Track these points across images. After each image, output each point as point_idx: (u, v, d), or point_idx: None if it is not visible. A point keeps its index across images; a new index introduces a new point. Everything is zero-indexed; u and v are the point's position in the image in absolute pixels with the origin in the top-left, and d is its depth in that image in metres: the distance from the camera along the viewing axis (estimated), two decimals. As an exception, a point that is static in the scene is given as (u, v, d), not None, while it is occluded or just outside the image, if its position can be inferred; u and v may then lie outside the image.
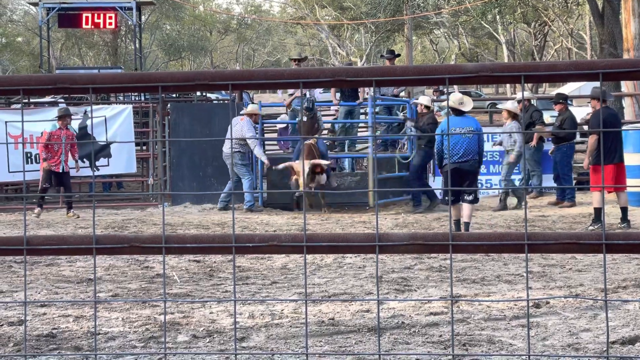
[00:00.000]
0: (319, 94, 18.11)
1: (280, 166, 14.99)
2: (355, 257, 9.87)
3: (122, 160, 16.95)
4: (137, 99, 24.22)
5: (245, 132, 14.94)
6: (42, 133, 15.65)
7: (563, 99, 15.28)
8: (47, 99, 21.49)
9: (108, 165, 17.07)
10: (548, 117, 21.71)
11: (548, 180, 15.92)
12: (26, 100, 22.09)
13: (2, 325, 6.72)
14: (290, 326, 6.53)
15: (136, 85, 3.12)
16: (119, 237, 3.12)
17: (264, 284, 8.38)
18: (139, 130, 18.52)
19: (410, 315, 6.71)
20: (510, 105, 14.87)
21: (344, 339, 6.05)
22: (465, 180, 11.54)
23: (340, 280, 8.49)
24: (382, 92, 17.10)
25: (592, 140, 12.23)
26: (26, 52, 58.05)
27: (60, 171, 14.92)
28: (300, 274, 9.00)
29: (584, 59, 3.97)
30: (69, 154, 15.11)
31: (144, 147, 19.04)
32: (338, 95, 17.63)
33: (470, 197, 11.57)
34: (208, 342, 6.13)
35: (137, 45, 28.23)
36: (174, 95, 24.87)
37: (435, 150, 12.08)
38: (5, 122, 16.21)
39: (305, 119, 14.90)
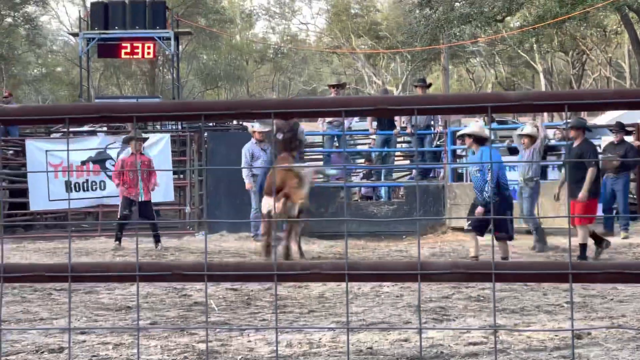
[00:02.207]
0: (355, 121, 18.15)
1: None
2: (393, 285, 9.83)
3: (160, 189, 17.03)
4: (174, 127, 24.39)
5: (244, 154, 15.07)
6: (116, 161, 15.20)
7: (621, 128, 14.91)
8: (86, 127, 21.72)
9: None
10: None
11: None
12: (64, 129, 22.33)
13: (43, 352, 6.76)
14: (329, 355, 6.51)
15: (179, 114, 3.15)
16: (162, 265, 3.14)
17: (302, 313, 8.37)
18: (176, 158, 18.63)
19: (449, 345, 6.66)
20: (530, 129, 13.28)
21: (383, 369, 6.02)
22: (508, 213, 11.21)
23: (378, 309, 8.45)
24: (413, 123, 17.06)
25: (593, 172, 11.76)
26: (65, 81, 58.76)
27: (140, 200, 14.07)
28: (338, 302, 8.98)
29: (630, 88, 3.95)
30: (147, 182, 14.27)
31: (182, 176, 19.14)
32: (375, 124, 17.64)
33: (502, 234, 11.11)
34: (246, 370, 6.12)
35: (175, 75, 28.47)
36: (211, 124, 25.02)
37: (493, 183, 10.81)
38: (46, 151, 16.38)
39: (280, 136, 12.97)
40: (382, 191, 17.94)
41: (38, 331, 7.61)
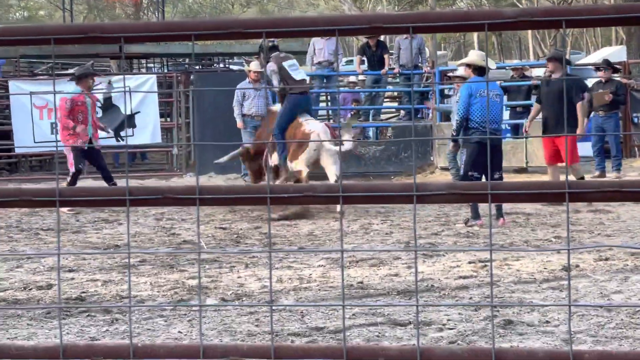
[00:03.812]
0: (342, 64, 17.96)
1: (226, 158, 12.84)
2: (382, 223, 9.84)
3: (147, 131, 16.91)
4: (160, 70, 24.20)
5: (236, 93, 14.70)
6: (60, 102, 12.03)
7: (609, 65, 14.45)
8: (71, 70, 21.48)
9: (133, 135, 17.04)
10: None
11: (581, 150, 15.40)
12: (48, 72, 22.13)
13: (31, 289, 6.73)
14: (319, 289, 6.51)
15: (168, 34, 3.06)
16: (153, 189, 3.08)
17: (291, 249, 8.36)
18: (163, 100, 18.48)
19: (439, 279, 6.66)
20: (462, 70, 11.08)
21: (374, 302, 6.02)
22: (495, 155, 9.80)
23: (368, 246, 8.45)
24: (402, 63, 16.89)
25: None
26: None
27: (93, 144, 12.04)
28: (327, 239, 8.97)
29: (627, 2, 3.87)
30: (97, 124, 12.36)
31: (168, 118, 19.01)
32: (363, 66, 17.49)
33: (498, 175, 9.77)
34: (237, 305, 6.11)
35: (160, 18, 28.17)
36: (197, 67, 24.82)
37: (459, 117, 9.74)
38: (30, 92, 16.21)
39: (275, 80, 11.81)
40: (370, 132, 17.87)
41: (26, 269, 7.59)
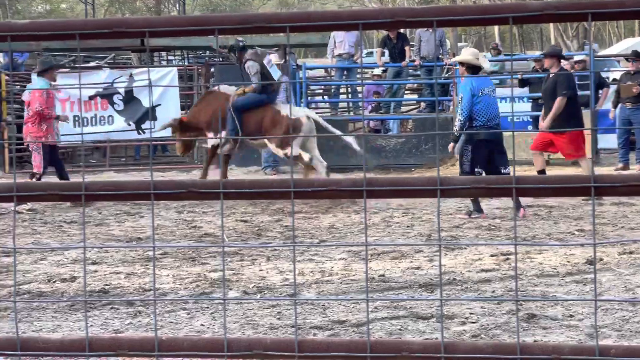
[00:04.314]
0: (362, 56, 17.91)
1: (159, 127, 13.31)
2: (404, 215, 9.82)
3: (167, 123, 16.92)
4: (181, 62, 24.26)
5: None
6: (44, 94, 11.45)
7: (637, 56, 14.14)
8: (92, 64, 21.57)
9: (154, 128, 17.07)
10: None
11: (605, 142, 15.28)
12: (70, 66, 22.22)
13: (55, 281, 6.78)
14: (341, 282, 6.51)
15: (192, 28, 3.06)
16: (177, 183, 3.09)
17: (312, 243, 8.36)
18: (183, 92, 18.52)
19: (461, 272, 6.65)
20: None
21: (396, 295, 6.02)
22: (499, 150, 9.84)
23: (389, 240, 8.44)
24: (423, 55, 16.82)
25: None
26: (70, 18, 58.19)
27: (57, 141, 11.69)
28: (348, 232, 8.97)
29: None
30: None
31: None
32: (384, 58, 17.44)
33: (508, 170, 9.75)
34: (261, 298, 6.13)
35: (181, 10, 28.23)
36: (217, 59, 24.84)
37: (462, 118, 9.63)
38: (52, 85, 16.25)
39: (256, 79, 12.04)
40: (391, 124, 17.82)
41: (50, 262, 7.64)
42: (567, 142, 10.70)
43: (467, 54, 10.25)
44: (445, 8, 2.89)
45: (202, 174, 12.36)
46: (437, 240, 7.69)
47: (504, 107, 15.00)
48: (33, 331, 5.22)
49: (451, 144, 10.27)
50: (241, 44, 12.28)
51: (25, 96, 11.77)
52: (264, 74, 12.05)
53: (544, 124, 10.73)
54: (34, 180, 10.67)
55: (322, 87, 20.97)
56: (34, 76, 17.15)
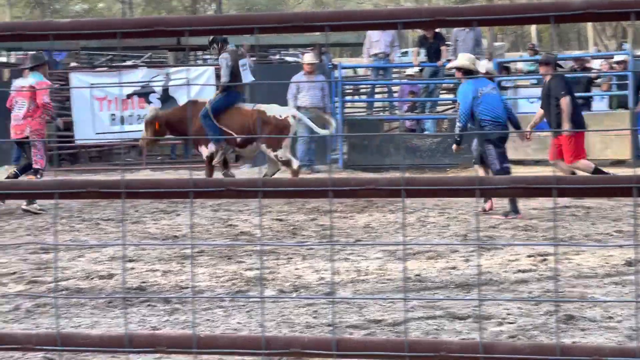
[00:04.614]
0: (397, 55, 17.87)
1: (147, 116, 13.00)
2: (439, 216, 9.79)
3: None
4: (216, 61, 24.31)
5: (291, 85, 14.98)
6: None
7: None
8: (129, 62, 21.71)
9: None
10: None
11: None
12: (108, 64, 22.41)
13: (93, 278, 6.84)
14: (377, 282, 6.51)
15: (232, 27, 3.08)
16: (216, 181, 3.11)
17: (348, 242, 8.37)
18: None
19: (498, 272, 6.62)
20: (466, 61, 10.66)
21: (432, 295, 6.00)
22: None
23: (425, 239, 8.42)
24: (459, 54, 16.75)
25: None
26: (108, 17, 58.57)
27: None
28: (384, 232, 8.96)
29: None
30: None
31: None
32: (420, 57, 17.39)
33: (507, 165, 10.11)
34: (295, 296, 6.14)
35: (217, 9, 28.32)
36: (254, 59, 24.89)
37: (461, 124, 9.99)
38: (91, 84, 16.41)
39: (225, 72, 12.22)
40: (427, 124, 17.76)
41: (87, 259, 7.70)
42: (569, 144, 10.59)
43: (464, 59, 10.40)
44: (486, 7, 2.87)
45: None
46: (475, 240, 7.68)
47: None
48: (72, 327, 5.26)
49: (454, 145, 10.57)
50: (223, 35, 12.24)
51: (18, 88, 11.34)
52: (233, 72, 12.10)
53: (564, 127, 10.57)
54: (37, 177, 10.80)
55: (352, 87, 20.97)
56: (72, 75, 17.35)
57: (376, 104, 20.24)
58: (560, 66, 11.08)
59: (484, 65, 11.14)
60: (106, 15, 59.39)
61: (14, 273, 7.08)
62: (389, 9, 2.99)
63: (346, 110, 18.25)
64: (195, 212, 10.61)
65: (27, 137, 11.03)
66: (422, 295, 6.00)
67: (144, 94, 16.80)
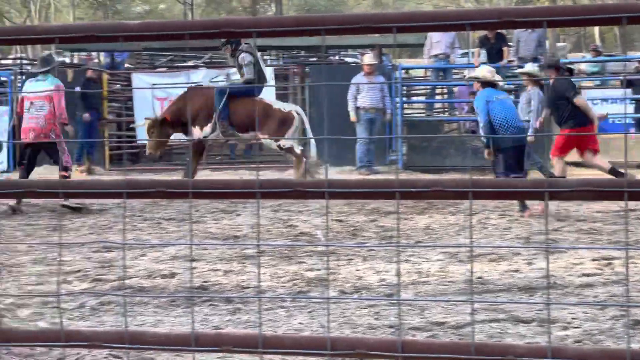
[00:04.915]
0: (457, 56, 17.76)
1: (140, 123, 13.38)
2: (500, 218, 9.71)
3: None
4: (275, 62, 24.43)
5: (351, 86, 15.05)
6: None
7: None
8: (190, 63, 21.88)
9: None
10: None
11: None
12: (168, 65, 22.61)
13: (155, 277, 6.90)
14: (438, 284, 6.47)
15: (300, 29, 3.09)
16: (283, 182, 3.12)
17: (408, 244, 8.34)
18: (279, 92, 18.66)
19: (562, 276, 6.54)
20: (531, 67, 12.12)
21: (494, 297, 5.95)
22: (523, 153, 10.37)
23: (486, 242, 8.36)
24: (521, 56, 16.57)
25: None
26: (168, 18, 59.23)
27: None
28: (444, 234, 8.91)
29: None
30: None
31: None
32: (480, 58, 17.25)
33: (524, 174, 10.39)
34: (358, 297, 6.14)
35: (278, 10, 28.41)
36: (313, 59, 24.95)
37: (483, 123, 10.28)
38: (152, 84, 16.59)
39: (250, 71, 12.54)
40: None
41: (149, 258, 7.78)
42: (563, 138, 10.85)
43: (485, 71, 10.69)
44: (556, 8, 2.84)
45: (188, 174, 12.13)
46: (540, 243, 7.61)
47: (606, 109, 14.73)
48: (135, 325, 5.32)
49: (486, 151, 10.55)
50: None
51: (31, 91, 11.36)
52: (258, 69, 12.50)
53: (597, 121, 11.07)
54: (68, 174, 11.00)
55: (407, 88, 20.88)
56: (134, 75, 17.55)
57: (436, 105, 20.15)
58: (563, 68, 11.22)
59: (529, 67, 11.74)
60: (167, 16, 59.98)
61: (79, 271, 7.19)
62: (458, 10, 2.97)
63: (405, 111, 18.19)
64: (256, 212, 10.66)
65: (53, 141, 11.10)
66: (485, 298, 5.95)
67: (205, 94, 16.90)
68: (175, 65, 22.03)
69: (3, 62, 21.96)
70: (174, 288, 6.58)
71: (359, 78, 15.45)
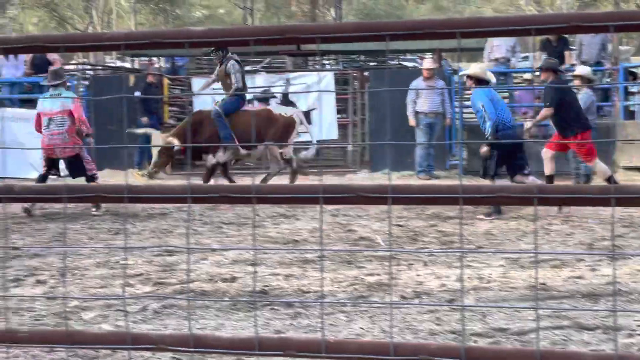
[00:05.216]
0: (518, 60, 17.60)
1: (139, 130, 13.58)
2: (563, 224, 9.61)
3: (322, 127, 17.13)
4: (335, 66, 24.43)
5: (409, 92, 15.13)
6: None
7: None
8: (248, 68, 21.98)
9: (308, 132, 17.26)
10: None
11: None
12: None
13: (216, 281, 6.95)
14: (500, 290, 6.42)
15: (364, 34, 3.09)
16: (346, 187, 3.12)
17: (469, 249, 8.28)
18: (338, 96, 18.68)
19: (626, 283, 6.45)
20: (582, 69, 12.05)
21: (557, 304, 5.89)
22: (519, 154, 10.82)
23: (549, 247, 8.27)
24: (584, 59, 16.39)
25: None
26: (227, 23, 59.59)
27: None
28: (505, 239, 8.83)
29: None
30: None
31: (344, 115, 19.18)
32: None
33: (527, 171, 10.77)
34: (417, 303, 6.11)
35: (337, 15, 28.48)
36: (372, 63, 24.94)
37: (492, 121, 10.48)
38: (213, 89, 16.68)
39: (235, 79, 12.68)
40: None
41: (210, 262, 7.84)
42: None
43: (477, 68, 10.97)
44: (625, 13, 2.81)
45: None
46: (608, 249, 7.50)
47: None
48: (198, 329, 5.36)
49: (485, 147, 10.75)
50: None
51: (57, 106, 11.22)
52: (242, 77, 12.78)
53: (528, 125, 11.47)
54: (95, 182, 11.02)
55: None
56: (194, 80, 17.71)
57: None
58: (561, 71, 11.24)
59: (581, 70, 11.76)
60: (227, 21, 60.40)
61: (141, 274, 7.27)
62: (524, 15, 2.95)
63: (466, 115, 18.06)
64: (315, 217, 10.68)
65: (77, 154, 11.19)
66: (548, 304, 5.89)
67: (264, 99, 17.02)
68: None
69: (66, 67, 22.32)
70: (235, 292, 6.62)
71: (418, 82, 15.40)
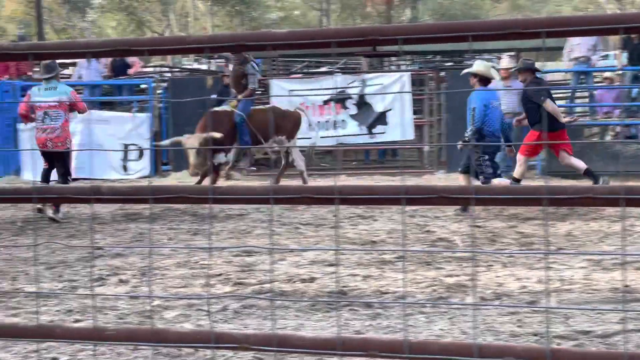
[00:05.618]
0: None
1: (166, 142, 13.56)
2: (646, 225, 9.44)
3: (398, 127, 17.10)
4: (410, 67, 24.35)
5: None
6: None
7: None
8: (324, 69, 22.06)
9: (384, 133, 17.27)
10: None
11: None
12: (303, 71, 22.84)
13: (295, 281, 6.99)
14: (582, 292, 6.33)
15: (447, 35, 3.08)
16: (429, 188, 3.11)
17: (550, 250, 8.18)
18: (415, 97, 18.61)
19: None
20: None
21: (641, 307, 5.79)
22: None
23: (634, 249, 8.12)
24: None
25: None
26: (302, 24, 59.82)
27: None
28: (587, 241, 8.70)
29: None
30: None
31: (420, 115, 19.11)
32: (623, 60, 16.80)
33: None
34: (497, 304, 6.06)
35: (413, 15, 28.35)
36: (448, 64, 24.78)
37: (475, 127, 10.65)
38: (289, 90, 16.81)
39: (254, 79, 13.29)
40: (634, 130, 17.11)
41: (289, 262, 7.89)
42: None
43: (480, 66, 10.73)
44: None
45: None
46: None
47: None
48: (278, 329, 5.40)
49: (460, 144, 11.16)
50: None
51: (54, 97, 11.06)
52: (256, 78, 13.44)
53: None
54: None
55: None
56: (272, 82, 17.83)
57: (577, 109, 19.68)
58: (539, 71, 11.15)
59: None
60: (302, 22, 60.62)
61: (220, 274, 7.35)
62: (612, 14, 2.91)
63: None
64: (392, 217, 10.66)
65: (67, 149, 11.16)
66: (632, 307, 5.79)
67: (340, 100, 17.05)
68: (311, 71, 22.25)
69: (144, 69, 22.64)
70: (314, 292, 6.65)
71: (495, 83, 15.25)
